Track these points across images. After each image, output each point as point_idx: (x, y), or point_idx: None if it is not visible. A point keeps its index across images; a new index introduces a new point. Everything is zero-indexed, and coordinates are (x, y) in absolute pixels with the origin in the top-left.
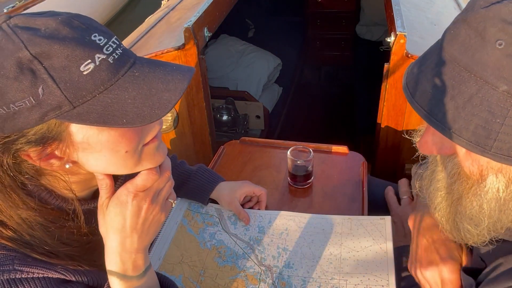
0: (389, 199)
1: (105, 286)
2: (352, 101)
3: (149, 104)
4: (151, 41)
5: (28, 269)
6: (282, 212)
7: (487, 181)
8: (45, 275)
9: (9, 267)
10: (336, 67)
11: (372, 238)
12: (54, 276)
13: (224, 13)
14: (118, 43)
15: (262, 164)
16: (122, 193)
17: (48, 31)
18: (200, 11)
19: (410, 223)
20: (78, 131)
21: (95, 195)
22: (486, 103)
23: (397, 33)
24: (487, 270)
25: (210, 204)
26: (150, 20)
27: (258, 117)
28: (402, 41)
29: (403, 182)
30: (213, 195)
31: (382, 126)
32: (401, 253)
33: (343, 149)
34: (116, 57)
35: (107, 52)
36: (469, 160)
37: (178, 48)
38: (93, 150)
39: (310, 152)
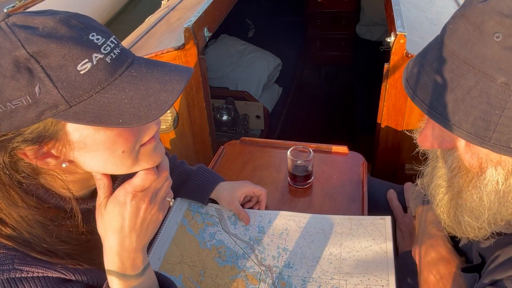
0: (394, 207)
1: (104, 285)
2: (352, 101)
3: (146, 104)
4: (151, 41)
5: (28, 268)
6: (282, 212)
7: (486, 174)
8: (44, 274)
9: (9, 266)
10: (336, 67)
11: (372, 238)
12: (53, 275)
13: (224, 13)
14: (116, 42)
15: (262, 164)
16: (121, 193)
17: (45, 30)
18: (200, 11)
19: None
20: (75, 130)
21: (93, 194)
22: (485, 95)
23: (397, 33)
24: (486, 264)
25: (210, 204)
26: (150, 20)
27: (258, 117)
28: (402, 41)
29: (409, 186)
30: (213, 195)
31: (382, 126)
32: (407, 258)
33: (343, 149)
34: (113, 56)
35: (105, 52)
36: (469, 153)
37: (178, 48)
38: (90, 150)
39: (310, 152)
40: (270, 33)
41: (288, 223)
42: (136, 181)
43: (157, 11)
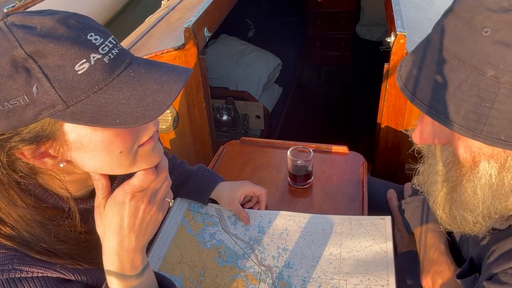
0: (393, 208)
1: (104, 286)
2: (352, 101)
3: (143, 105)
4: (151, 41)
5: (27, 268)
6: (282, 212)
7: (480, 167)
8: (44, 275)
9: (8, 266)
10: (336, 67)
11: (372, 238)
12: (53, 275)
13: (224, 13)
14: (114, 43)
15: (262, 164)
16: (119, 193)
17: (44, 30)
18: (200, 11)
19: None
20: (72, 130)
21: (92, 194)
22: (475, 89)
23: (397, 33)
24: (483, 261)
25: (210, 204)
26: (150, 20)
27: (258, 117)
28: (402, 41)
29: (408, 186)
30: (213, 195)
31: (382, 126)
32: (406, 258)
33: (343, 149)
34: (112, 57)
35: (103, 52)
36: (462, 147)
37: (178, 48)
38: (87, 150)
39: (310, 152)
40: (270, 33)
41: (288, 223)
42: (135, 181)
43: (157, 11)
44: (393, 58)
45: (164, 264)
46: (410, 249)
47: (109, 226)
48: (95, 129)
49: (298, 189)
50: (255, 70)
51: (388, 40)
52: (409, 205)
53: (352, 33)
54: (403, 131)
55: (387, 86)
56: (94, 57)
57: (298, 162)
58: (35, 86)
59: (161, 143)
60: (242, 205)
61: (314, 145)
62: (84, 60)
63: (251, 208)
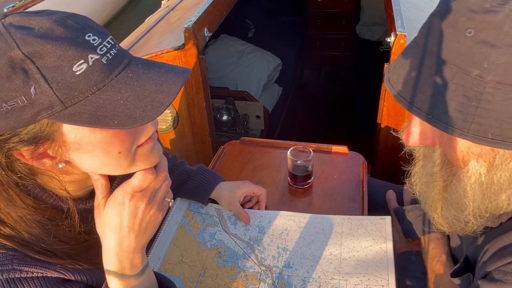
0: (392, 208)
1: (103, 286)
2: (352, 101)
3: (141, 105)
4: (151, 41)
5: (27, 268)
6: (282, 212)
7: (469, 166)
8: (44, 275)
9: (8, 266)
10: (336, 67)
11: (372, 238)
12: (53, 275)
13: (224, 13)
14: (113, 43)
15: (262, 164)
16: (119, 193)
17: (41, 31)
18: (200, 11)
19: None
20: (70, 131)
21: (92, 194)
22: (461, 88)
23: (397, 33)
24: (478, 261)
25: (210, 204)
26: (150, 20)
27: (258, 117)
28: (402, 41)
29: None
30: (213, 195)
31: (382, 126)
32: (406, 258)
33: (343, 149)
34: (110, 57)
35: (101, 53)
36: (451, 147)
37: (178, 48)
38: (86, 151)
39: (310, 152)
40: (270, 33)
41: (288, 223)
42: (134, 181)
43: (157, 11)
44: (393, 58)
45: (164, 264)
46: (410, 249)
47: (109, 226)
48: (93, 129)
49: (298, 189)
50: (255, 70)
51: (388, 40)
52: (410, 213)
53: (352, 33)
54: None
55: None
56: (92, 57)
57: (298, 162)
58: (33, 87)
59: (161, 143)
60: (242, 205)
61: (314, 145)
62: (82, 61)
63: (251, 208)
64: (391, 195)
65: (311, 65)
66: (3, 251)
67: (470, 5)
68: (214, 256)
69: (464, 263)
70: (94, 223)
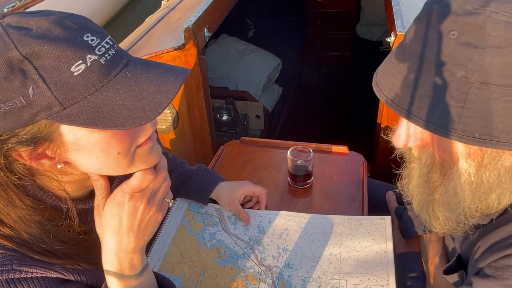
0: (392, 209)
1: (103, 286)
2: (352, 101)
3: (139, 106)
4: (151, 41)
5: (27, 269)
6: (282, 212)
7: (458, 167)
8: (43, 275)
9: (8, 267)
10: (336, 67)
11: (372, 238)
12: (52, 275)
13: (224, 13)
14: (111, 43)
15: (262, 164)
16: (118, 194)
17: (39, 31)
18: (200, 11)
19: None
20: (69, 131)
21: (91, 194)
22: (447, 90)
23: (397, 33)
24: (470, 258)
25: (210, 204)
26: (150, 20)
27: (258, 117)
28: None
29: None
30: (213, 195)
31: (382, 126)
32: (405, 258)
33: (343, 149)
34: (108, 58)
35: (99, 53)
36: (440, 148)
37: (178, 48)
38: (84, 151)
39: (310, 152)
40: (270, 33)
41: (288, 223)
42: (133, 182)
43: (157, 11)
44: None
45: (164, 264)
46: (410, 250)
47: (108, 226)
48: (92, 130)
49: (298, 189)
50: (255, 70)
51: (388, 40)
52: (407, 212)
53: (352, 33)
54: None
55: None
56: (90, 58)
57: (298, 162)
58: (31, 87)
59: (161, 143)
60: (242, 205)
61: (314, 145)
62: (80, 61)
63: (251, 208)
64: (391, 195)
65: (311, 65)
66: (3, 252)
67: (453, 8)
68: (214, 256)
69: (456, 261)
70: (93, 223)
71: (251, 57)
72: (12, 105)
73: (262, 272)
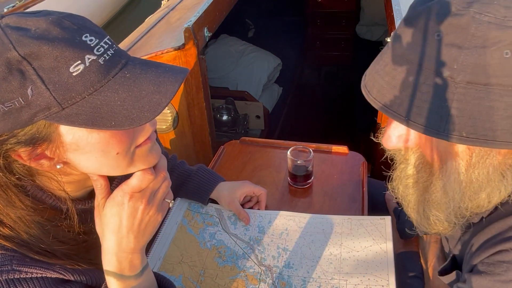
0: (391, 209)
1: (103, 286)
2: (352, 101)
3: (138, 106)
4: (151, 41)
5: (26, 269)
6: (282, 212)
7: (447, 166)
8: (43, 275)
9: (7, 267)
10: (336, 67)
11: (372, 238)
12: (52, 275)
13: (224, 13)
14: (110, 43)
15: (262, 164)
16: (118, 194)
17: (38, 32)
18: (200, 11)
19: None
20: (68, 132)
21: (91, 194)
22: (434, 90)
23: None
24: (464, 257)
25: (210, 204)
26: (150, 20)
27: (258, 117)
28: None
29: None
30: (213, 195)
31: (382, 126)
32: (405, 258)
33: (343, 149)
34: (107, 58)
35: (98, 53)
36: (429, 148)
37: (178, 48)
38: (83, 151)
39: (310, 152)
40: (270, 33)
41: (288, 223)
42: (133, 182)
43: (157, 11)
44: None
45: (164, 264)
46: (409, 249)
47: (108, 227)
48: (91, 130)
49: (298, 189)
50: (255, 70)
51: (388, 40)
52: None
53: (352, 33)
54: None
55: None
56: (89, 58)
57: (298, 162)
58: (30, 88)
59: (160, 143)
60: (242, 205)
61: (314, 145)
62: (79, 62)
63: (251, 208)
64: (390, 195)
65: (311, 65)
66: (3, 252)
67: (437, 10)
68: (214, 256)
69: (451, 261)
70: (93, 223)
71: (251, 57)
72: (11, 105)
73: (262, 272)
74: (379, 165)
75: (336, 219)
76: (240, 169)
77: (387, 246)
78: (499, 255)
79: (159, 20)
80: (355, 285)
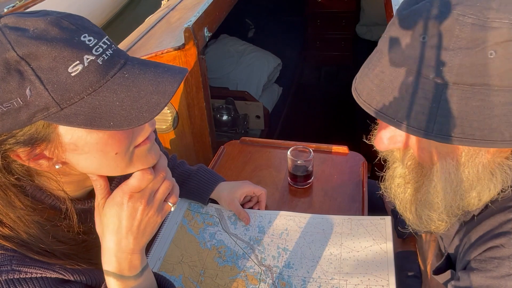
0: (390, 209)
1: (102, 286)
2: (352, 101)
3: (137, 107)
4: (151, 41)
5: (26, 269)
6: (282, 212)
7: (438, 166)
8: (43, 275)
9: (7, 267)
10: (336, 67)
11: (372, 238)
12: (52, 275)
13: (224, 13)
14: (109, 43)
15: (262, 164)
16: (118, 194)
17: (36, 32)
18: (200, 11)
19: None
20: (67, 132)
21: (90, 194)
22: (422, 91)
23: None
24: (458, 256)
25: (210, 204)
26: (150, 20)
27: (258, 117)
28: None
29: None
30: (213, 195)
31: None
32: (404, 257)
33: (343, 149)
34: (105, 58)
35: (96, 53)
36: (419, 148)
37: (178, 48)
38: (82, 152)
39: (310, 152)
40: (270, 33)
41: (288, 223)
42: (132, 182)
43: (157, 11)
44: None
45: (164, 264)
46: (407, 249)
47: (107, 227)
48: (89, 131)
49: (298, 189)
50: (255, 70)
51: None
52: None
53: (352, 33)
54: None
55: None
56: (87, 58)
57: (298, 162)
58: (28, 88)
59: (160, 143)
60: (242, 205)
61: (314, 145)
62: (78, 62)
63: (251, 208)
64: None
65: (311, 65)
66: (2, 252)
67: (421, 13)
68: (214, 256)
69: (446, 261)
70: (93, 223)
71: (251, 57)
72: (10, 106)
73: (262, 272)
74: (379, 165)
75: (336, 219)
76: (240, 169)
77: (387, 246)
78: (490, 251)
79: (159, 20)
80: (355, 285)
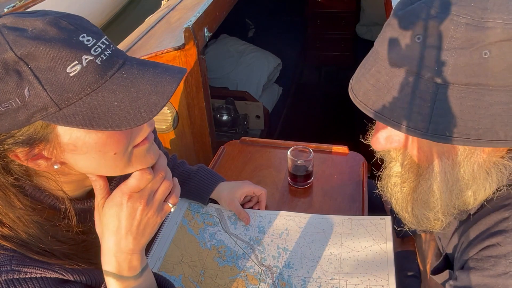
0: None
1: (102, 287)
2: (352, 101)
3: (135, 107)
4: (151, 41)
5: (26, 269)
6: (282, 212)
7: (434, 166)
8: (43, 275)
9: (7, 267)
10: (336, 67)
11: (372, 238)
12: (52, 275)
13: (224, 13)
14: (107, 43)
15: (262, 164)
16: (117, 194)
17: (34, 32)
18: (200, 11)
19: None
20: (65, 132)
21: (89, 194)
22: (417, 91)
23: None
24: (455, 256)
25: (210, 204)
26: (150, 20)
27: (258, 117)
28: None
29: None
30: (213, 195)
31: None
32: (403, 257)
33: (343, 149)
34: (104, 58)
35: (95, 53)
36: (415, 148)
37: (178, 48)
38: (81, 152)
39: (310, 152)
40: (270, 33)
41: (288, 223)
42: (131, 182)
43: (157, 11)
44: None
45: (164, 264)
46: (406, 248)
47: (107, 227)
48: (88, 131)
49: (298, 189)
50: (255, 70)
51: None
52: None
53: (352, 33)
54: None
55: None
56: (86, 58)
57: (298, 162)
58: (27, 88)
59: (160, 143)
60: (242, 205)
61: (314, 145)
62: (76, 62)
63: (251, 208)
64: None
65: (311, 65)
66: (2, 252)
67: (417, 13)
68: (214, 256)
69: (444, 260)
70: (92, 223)
71: (251, 57)
72: (8, 106)
73: (262, 272)
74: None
75: (336, 219)
76: (240, 169)
77: (387, 246)
78: (487, 250)
79: (159, 20)
80: (355, 285)
